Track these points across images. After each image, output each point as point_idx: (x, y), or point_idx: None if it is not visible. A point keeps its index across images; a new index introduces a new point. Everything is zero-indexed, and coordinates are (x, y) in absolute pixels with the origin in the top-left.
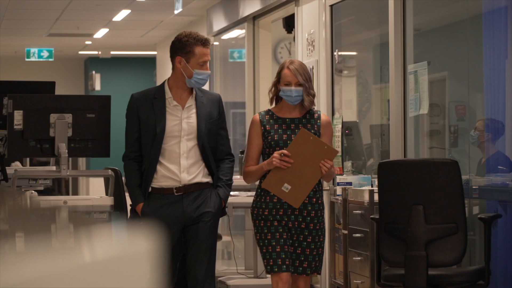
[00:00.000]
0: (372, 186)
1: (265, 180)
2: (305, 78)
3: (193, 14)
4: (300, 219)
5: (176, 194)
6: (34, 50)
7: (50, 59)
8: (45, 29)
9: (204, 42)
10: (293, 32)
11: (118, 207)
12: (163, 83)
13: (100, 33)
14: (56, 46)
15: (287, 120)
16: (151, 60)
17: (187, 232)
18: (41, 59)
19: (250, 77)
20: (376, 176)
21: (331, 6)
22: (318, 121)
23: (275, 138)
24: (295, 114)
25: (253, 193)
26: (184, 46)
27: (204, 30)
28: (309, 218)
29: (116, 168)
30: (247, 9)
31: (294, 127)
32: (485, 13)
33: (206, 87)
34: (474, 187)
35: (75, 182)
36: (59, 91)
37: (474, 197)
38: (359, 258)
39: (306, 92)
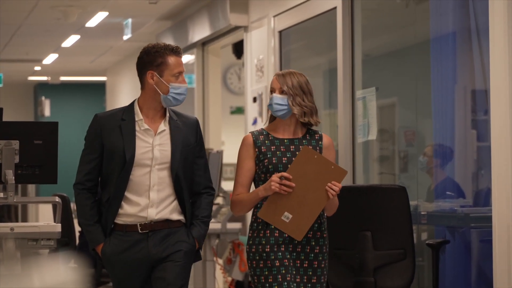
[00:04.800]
0: None
1: (262, 209)
2: (292, 86)
3: (143, 40)
4: (303, 257)
5: (140, 232)
6: None
7: None
8: None
9: (176, 51)
10: (242, 58)
11: (66, 234)
12: (132, 103)
13: (50, 58)
14: (5, 72)
15: (286, 141)
16: (101, 86)
17: (154, 273)
18: None
19: (199, 103)
20: None
21: (280, 32)
22: (320, 142)
23: (273, 161)
24: (294, 134)
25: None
26: (154, 58)
27: None
28: (312, 255)
29: (64, 195)
30: (196, 35)
31: (294, 148)
32: (433, 39)
33: None
34: (422, 212)
35: (24, 209)
36: (7, 117)
37: (422, 223)
38: None
39: (294, 102)
